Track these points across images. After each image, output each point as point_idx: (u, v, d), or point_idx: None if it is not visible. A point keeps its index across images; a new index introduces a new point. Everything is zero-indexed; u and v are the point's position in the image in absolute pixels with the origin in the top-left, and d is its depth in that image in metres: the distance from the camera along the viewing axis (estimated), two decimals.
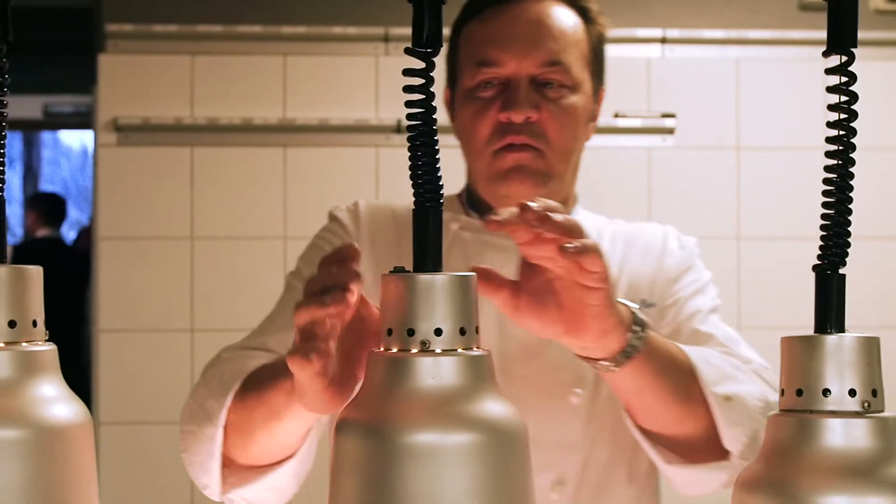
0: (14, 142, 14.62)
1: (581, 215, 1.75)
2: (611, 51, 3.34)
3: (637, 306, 1.32)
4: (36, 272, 0.87)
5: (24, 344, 0.84)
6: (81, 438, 0.85)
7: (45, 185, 14.08)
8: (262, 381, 1.31)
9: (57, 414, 0.84)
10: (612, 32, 3.35)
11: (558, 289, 1.21)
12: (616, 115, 3.44)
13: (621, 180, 3.44)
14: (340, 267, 1.05)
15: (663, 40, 3.49)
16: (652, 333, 1.32)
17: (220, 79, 3.31)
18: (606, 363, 1.28)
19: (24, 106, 7.54)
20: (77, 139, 16.08)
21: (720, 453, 1.45)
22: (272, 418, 1.29)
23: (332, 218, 1.73)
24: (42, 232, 6.71)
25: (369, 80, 3.37)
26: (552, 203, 1.17)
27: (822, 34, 2.87)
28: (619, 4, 3.43)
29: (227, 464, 1.41)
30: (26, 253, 6.44)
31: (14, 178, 14.87)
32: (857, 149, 0.89)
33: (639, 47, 3.48)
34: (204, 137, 3.29)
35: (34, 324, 0.85)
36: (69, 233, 12.73)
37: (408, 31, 2.38)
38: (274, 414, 1.28)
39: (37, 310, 0.86)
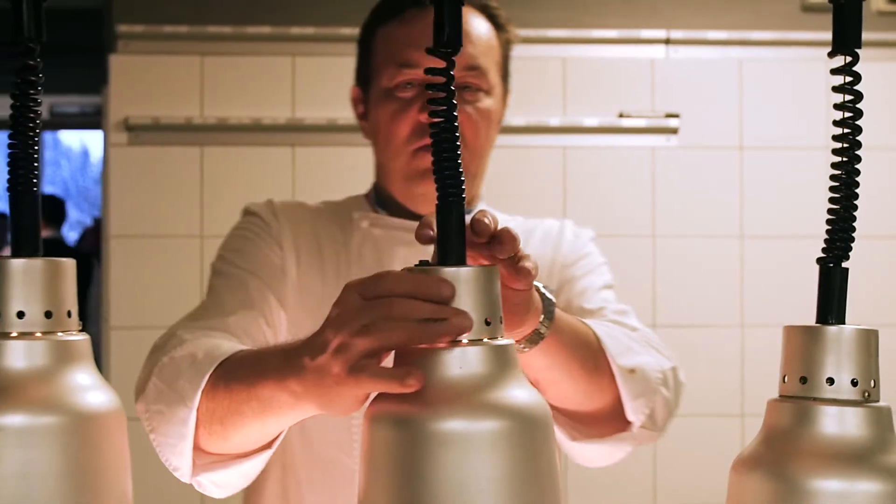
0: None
1: (483, 208, 1.77)
2: (615, 51, 3.42)
3: (546, 287, 1.32)
4: (70, 264, 0.89)
5: (59, 334, 0.87)
6: (115, 425, 0.88)
7: (46, 186, 14.07)
8: (254, 375, 1.22)
9: (92, 401, 0.86)
10: (615, 33, 3.39)
11: None
12: (620, 115, 3.45)
13: (625, 179, 3.45)
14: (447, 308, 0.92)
15: (667, 41, 3.49)
16: (559, 313, 1.33)
17: (229, 79, 3.32)
18: (520, 346, 1.29)
19: None
20: (77, 140, 16.04)
21: (622, 424, 1.47)
22: (266, 413, 1.22)
23: (250, 213, 1.73)
24: (43, 233, 6.75)
25: None
26: (494, 216, 1.15)
27: (825, 35, 2.90)
28: (623, 6, 3.48)
29: (194, 447, 1.35)
30: None
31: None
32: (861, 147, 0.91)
33: (643, 48, 3.48)
34: (214, 137, 3.30)
35: (69, 314, 0.88)
36: (69, 233, 12.72)
37: None
38: (269, 409, 1.21)
39: (71, 301, 0.88)
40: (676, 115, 3.46)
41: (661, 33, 3.49)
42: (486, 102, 1.66)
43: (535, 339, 1.29)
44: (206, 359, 1.34)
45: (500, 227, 1.70)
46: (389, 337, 0.93)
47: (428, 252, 1.58)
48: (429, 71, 0.93)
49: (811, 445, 0.83)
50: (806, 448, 0.83)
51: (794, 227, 3.45)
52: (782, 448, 0.83)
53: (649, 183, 3.47)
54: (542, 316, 1.28)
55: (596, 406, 1.46)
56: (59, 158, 14.72)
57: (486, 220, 1.03)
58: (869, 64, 3.57)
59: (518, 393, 0.88)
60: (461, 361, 0.87)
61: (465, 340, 0.86)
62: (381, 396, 0.90)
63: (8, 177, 0.89)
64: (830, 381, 0.85)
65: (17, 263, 0.86)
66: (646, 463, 3.39)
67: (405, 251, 1.66)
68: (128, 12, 3.30)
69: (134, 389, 1.47)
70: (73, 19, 6.03)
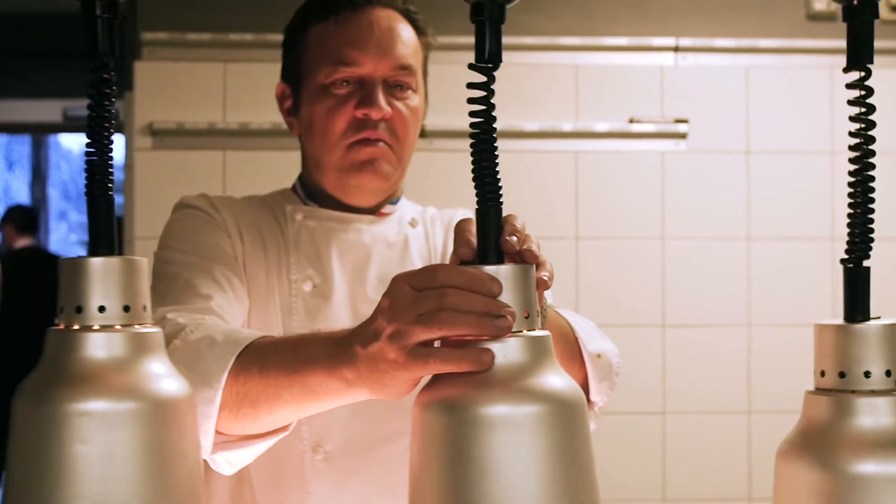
0: (22, 145, 14.51)
1: (404, 203, 1.82)
2: (625, 58, 3.46)
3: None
4: (143, 263, 0.95)
5: (136, 326, 0.93)
6: (186, 410, 0.94)
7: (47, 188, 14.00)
8: (298, 362, 1.25)
9: (166, 388, 0.92)
10: (626, 40, 3.43)
11: None
12: (631, 121, 3.47)
13: (636, 183, 3.47)
14: (498, 302, 0.98)
15: (676, 49, 3.50)
16: (550, 310, 1.39)
17: (251, 85, 3.35)
18: None
19: (44, 110, 7.60)
20: (77, 142, 15.97)
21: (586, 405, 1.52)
22: (310, 398, 1.26)
23: (189, 206, 1.73)
24: (22, 242, 6.77)
25: None
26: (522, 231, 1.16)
27: (829, 43, 2.97)
28: (634, 14, 3.50)
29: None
30: (12, 262, 6.46)
31: (14, 181, 14.79)
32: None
33: (653, 55, 3.50)
34: (235, 141, 3.34)
35: (143, 308, 0.94)
36: (70, 236, 12.69)
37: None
38: (315, 395, 1.24)
39: (145, 296, 0.94)
40: (685, 121, 3.48)
41: (670, 41, 3.50)
42: (415, 100, 1.71)
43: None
44: (227, 342, 1.36)
45: (414, 214, 1.74)
46: (450, 326, 0.98)
47: (363, 246, 1.62)
48: (470, 85, 0.98)
49: (854, 434, 0.89)
50: (849, 437, 0.89)
51: (799, 230, 3.47)
52: (826, 437, 0.89)
53: (659, 186, 3.48)
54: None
55: None
56: (59, 161, 14.63)
57: (513, 240, 1.05)
58: (877, 71, 3.59)
59: (555, 380, 0.94)
60: (504, 351, 0.93)
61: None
62: (431, 385, 0.96)
63: (85, 182, 0.95)
64: (867, 374, 0.91)
65: (97, 262, 0.92)
66: (655, 458, 3.43)
67: (339, 241, 1.70)
68: (152, 20, 3.35)
69: None
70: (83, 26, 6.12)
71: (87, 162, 0.95)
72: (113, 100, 0.95)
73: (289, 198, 1.78)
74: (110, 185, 0.94)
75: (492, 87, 0.98)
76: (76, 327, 0.91)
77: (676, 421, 3.43)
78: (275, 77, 3.73)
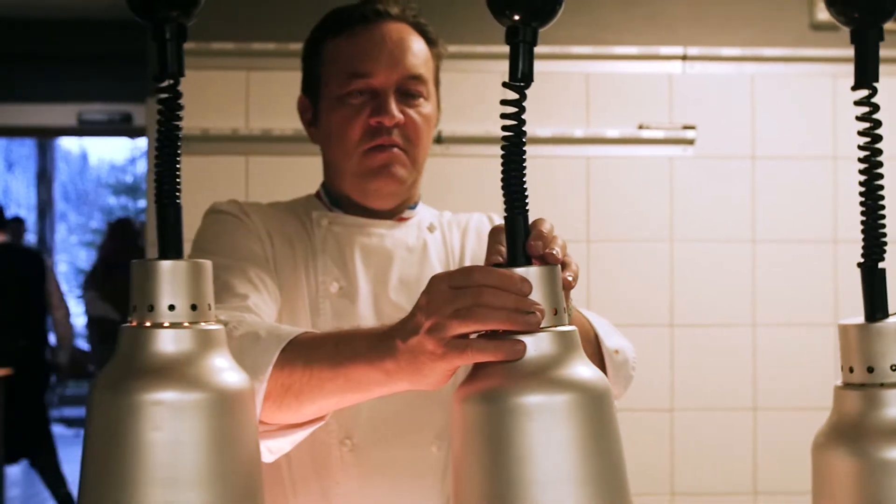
0: (21, 146, 14.44)
1: (422, 208, 1.87)
2: (635, 67, 3.50)
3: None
4: (207, 265, 1.01)
5: (202, 324, 0.99)
6: (247, 400, 1.00)
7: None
8: (342, 356, 1.31)
9: (228, 381, 0.98)
10: (635, 50, 3.47)
11: None
12: (640, 127, 3.49)
13: (645, 187, 3.49)
14: (528, 300, 1.04)
15: (684, 57, 3.53)
16: (573, 310, 1.44)
17: (273, 93, 3.40)
18: None
19: (59, 114, 7.63)
20: (76, 144, 15.93)
21: None
22: (352, 390, 1.31)
23: (221, 211, 1.77)
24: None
25: None
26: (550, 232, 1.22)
27: (832, 52, 3.02)
28: (643, 24, 3.54)
29: None
30: None
31: (16, 184, 14.74)
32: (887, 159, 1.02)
33: (661, 64, 3.52)
34: (258, 147, 3.39)
35: (209, 307, 1.00)
36: (70, 237, 12.63)
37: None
38: (356, 386, 1.30)
39: (210, 296, 1.00)
40: (693, 127, 3.50)
41: (678, 50, 3.53)
42: (427, 108, 1.75)
43: None
44: (271, 338, 1.40)
45: (432, 219, 1.79)
46: (485, 320, 1.04)
47: (385, 250, 1.66)
48: (504, 102, 1.03)
49: (886, 424, 0.95)
50: (882, 426, 0.95)
51: (803, 232, 3.49)
52: (859, 429, 0.95)
53: (667, 190, 3.51)
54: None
55: None
56: (59, 163, 14.59)
57: (537, 245, 1.11)
58: (882, 80, 3.61)
59: (583, 370, 1.00)
60: (536, 345, 0.99)
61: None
62: (469, 380, 1.02)
63: (155, 191, 1.01)
64: (893, 367, 0.96)
65: (167, 265, 0.98)
66: (664, 452, 3.45)
67: (362, 245, 1.76)
68: None
69: None
70: (99, 31, 6.13)
71: (156, 173, 1.00)
72: (180, 116, 1.00)
73: (314, 204, 1.83)
74: (178, 193, 1.00)
75: (523, 104, 1.04)
76: (148, 324, 0.97)
77: (684, 417, 3.46)
78: (295, 85, 3.78)
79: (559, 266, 1.05)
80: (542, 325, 1.00)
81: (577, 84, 3.50)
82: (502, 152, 1.04)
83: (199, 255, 1.71)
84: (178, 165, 1.00)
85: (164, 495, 0.93)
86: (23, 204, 14.35)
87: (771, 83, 3.53)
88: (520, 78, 1.03)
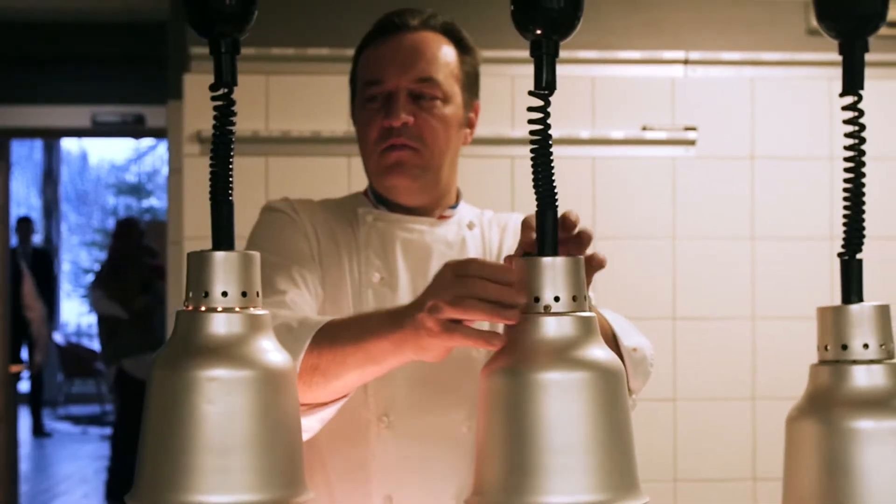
0: (20, 147, 14.34)
1: (463, 207, 1.97)
2: (639, 71, 3.55)
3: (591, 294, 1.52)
4: (256, 256, 1.09)
5: (251, 309, 1.07)
6: (291, 378, 1.08)
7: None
8: (362, 332, 1.46)
9: (274, 360, 1.06)
10: (639, 54, 3.52)
11: None
12: (644, 129, 3.52)
13: (649, 186, 3.53)
14: (509, 290, 1.17)
15: (686, 62, 3.56)
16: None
17: (291, 96, 3.45)
18: None
19: (74, 115, 7.67)
20: (76, 145, 15.81)
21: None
22: (369, 361, 1.46)
23: (275, 209, 1.88)
24: None
25: None
26: (577, 215, 1.40)
27: (828, 56, 3.11)
28: (646, 30, 3.57)
29: None
30: None
31: (15, 185, 14.65)
32: (877, 159, 1.09)
33: (664, 68, 3.55)
34: (277, 148, 3.44)
35: (256, 294, 1.08)
36: (72, 237, 12.50)
37: None
38: (373, 358, 1.45)
39: (258, 284, 1.08)
40: (694, 129, 3.53)
41: (680, 54, 3.56)
42: (444, 109, 1.84)
43: None
44: (302, 327, 1.54)
45: (472, 216, 1.90)
46: (471, 310, 1.23)
47: (425, 245, 1.75)
48: (530, 108, 1.11)
49: (854, 396, 1.03)
50: (851, 399, 1.03)
51: (800, 230, 3.53)
52: (830, 401, 1.03)
53: (670, 190, 3.54)
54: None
55: None
56: (59, 164, 14.50)
57: (573, 218, 1.27)
58: (874, 83, 3.66)
59: (597, 352, 1.08)
60: (556, 328, 1.07)
61: (559, 311, 1.06)
62: (495, 355, 1.10)
63: (210, 189, 1.10)
64: (866, 346, 1.04)
65: (221, 255, 1.06)
66: (667, 440, 3.49)
67: (403, 241, 1.86)
68: (200, 37, 3.46)
69: None
70: (115, 34, 6.17)
71: (211, 173, 1.09)
72: (234, 122, 1.09)
73: (361, 201, 1.92)
74: (230, 192, 1.09)
75: (548, 109, 1.11)
76: (203, 309, 1.05)
77: (686, 407, 3.50)
78: (313, 88, 3.83)
79: (581, 257, 1.12)
80: (561, 311, 1.07)
81: (584, 87, 3.54)
82: (532, 154, 1.11)
83: (252, 249, 1.83)
84: (231, 166, 1.09)
85: (215, 461, 1.01)
86: (22, 204, 14.27)
87: (769, 86, 3.56)
88: (544, 86, 1.10)
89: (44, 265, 9.45)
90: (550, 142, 1.10)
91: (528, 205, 1.16)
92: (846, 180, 1.06)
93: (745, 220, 3.56)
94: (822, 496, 1.02)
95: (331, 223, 1.88)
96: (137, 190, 15.73)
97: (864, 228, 1.05)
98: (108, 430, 9.48)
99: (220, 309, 1.05)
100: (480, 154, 3.47)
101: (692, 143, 3.55)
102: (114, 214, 15.22)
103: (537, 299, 1.07)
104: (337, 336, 1.51)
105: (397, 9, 1.88)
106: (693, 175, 3.55)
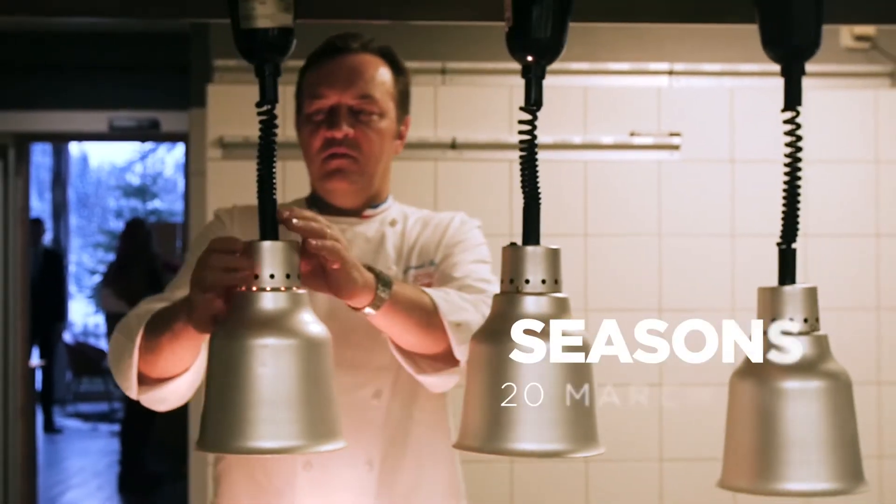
0: (37, 153, 14.35)
1: (392, 205, 2.15)
2: (627, 81, 3.69)
3: (383, 271, 1.71)
4: (295, 245, 1.27)
5: (294, 289, 1.25)
6: (325, 346, 1.26)
7: (46, 192, 13.86)
8: (168, 316, 1.66)
9: (314, 331, 1.24)
10: (627, 66, 3.65)
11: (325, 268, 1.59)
12: (632, 134, 3.60)
13: (636, 188, 3.61)
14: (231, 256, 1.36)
15: (670, 72, 3.64)
16: (397, 286, 1.71)
17: None
18: (366, 310, 1.68)
19: (91, 120, 7.77)
20: (77, 149, 15.75)
21: (454, 362, 1.83)
22: (175, 340, 1.64)
23: (215, 216, 2.12)
24: None
25: (428, 104, 3.57)
26: (307, 214, 1.59)
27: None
28: (634, 43, 3.66)
29: (141, 379, 1.75)
30: None
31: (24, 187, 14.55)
32: (824, 163, 1.27)
33: (650, 78, 3.64)
34: (294, 153, 3.52)
35: (298, 276, 1.26)
36: (74, 239, 12.34)
37: (461, 64, 2.88)
38: (176, 336, 1.63)
39: (296, 266, 1.26)
40: (678, 134, 3.61)
41: (665, 66, 3.64)
42: (379, 123, 2.02)
43: (376, 304, 1.67)
44: (144, 314, 1.75)
45: (397, 213, 2.08)
46: (213, 282, 1.36)
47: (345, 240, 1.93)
48: (521, 122, 1.28)
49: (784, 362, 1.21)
50: (781, 363, 1.20)
51: (777, 228, 3.61)
52: (764, 365, 1.19)
53: (656, 191, 3.62)
54: (381, 288, 1.66)
55: (434, 350, 1.83)
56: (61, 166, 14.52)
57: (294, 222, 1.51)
58: (838, 91, 3.83)
59: (570, 325, 1.21)
60: (535, 305, 1.20)
61: (538, 292, 1.21)
62: (482, 328, 1.24)
63: (257, 190, 1.28)
64: (791, 319, 1.21)
65: (268, 244, 1.25)
66: (653, 422, 3.59)
67: None
68: (223, 49, 3.59)
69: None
70: (127, 44, 6.28)
71: (259, 175, 1.27)
72: (276, 133, 1.26)
73: (299, 205, 2.12)
74: (275, 191, 1.27)
75: (535, 122, 1.28)
76: (255, 289, 1.24)
77: (671, 392, 3.57)
78: None
79: (559, 248, 1.28)
80: (541, 291, 1.21)
81: (576, 96, 3.61)
82: (520, 160, 1.27)
83: (188, 251, 2.06)
84: (274, 170, 1.27)
85: (267, 413, 1.19)
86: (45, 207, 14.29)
87: (748, 95, 3.63)
88: (532, 104, 1.27)
89: (54, 266, 9.44)
90: (536, 149, 1.26)
91: None
92: (785, 182, 1.24)
93: (725, 218, 3.63)
94: (755, 444, 1.19)
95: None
96: (143, 192, 15.76)
97: (797, 223, 1.22)
98: (116, 427, 9.47)
99: (268, 289, 1.23)
100: (481, 158, 3.60)
101: (676, 147, 3.62)
102: (119, 216, 15.22)
103: (527, 281, 1.22)
104: (157, 322, 1.71)
105: (340, 33, 2.07)
106: (677, 177, 3.63)
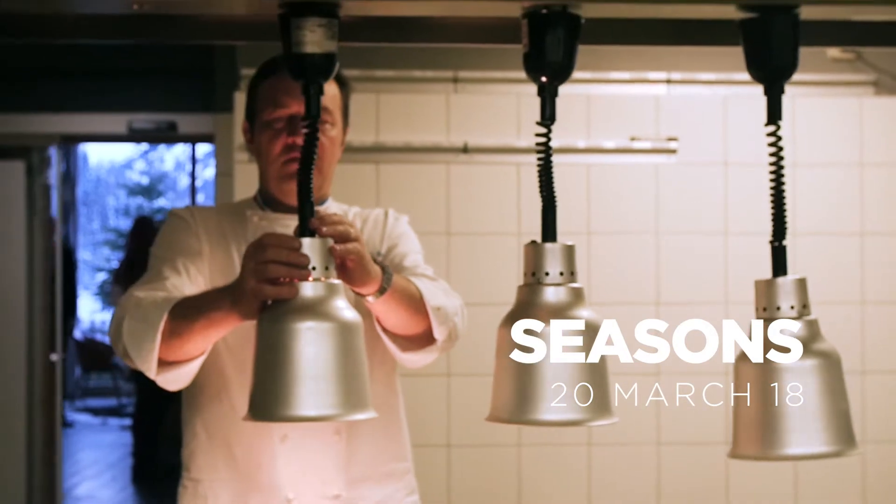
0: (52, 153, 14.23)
1: (332, 203, 2.27)
2: (627, 89, 3.78)
3: (385, 264, 1.85)
4: (328, 242, 1.38)
5: (330, 279, 1.37)
6: (358, 329, 1.37)
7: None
8: (203, 302, 1.75)
9: (348, 316, 1.36)
10: (627, 75, 3.73)
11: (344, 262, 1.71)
12: (632, 139, 3.66)
13: (635, 190, 3.67)
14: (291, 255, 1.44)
15: (668, 81, 3.71)
16: (396, 277, 1.85)
17: None
18: (371, 297, 1.81)
19: (111, 122, 7.81)
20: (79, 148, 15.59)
21: (431, 341, 1.98)
22: (210, 325, 1.75)
23: (174, 215, 2.18)
24: None
25: (441, 111, 3.66)
26: (334, 218, 1.68)
27: (792, 78, 3.19)
28: (633, 53, 3.72)
29: (158, 361, 1.84)
30: None
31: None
32: (812, 166, 1.36)
33: (649, 87, 3.71)
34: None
35: (334, 269, 1.38)
36: (80, 236, 12.19)
37: (472, 73, 2.98)
38: (212, 321, 1.74)
39: (331, 259, 1.38)
40: (675, 139, 3.66)
41: (663, 75, 3.71)
42: (332, 131, 2.13)
43: (380, 292, 1.81)
44: (164, 302, 1.85)
45: (337, 210, 2.16)
46: (271, 271, 1.45)
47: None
48: (538, 134, 1.37)
49: (774, 344, 1.30)
50: (773, 345, 1.30)
51: (768, 227, 3.62)
52: (765, 346, 1.30)
53: (654, 192, 3.68)
54: (384, 277, 1.80)
55: (416, 331, 1.98)
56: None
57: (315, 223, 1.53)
58: (825, 99, 3.90)
59: (585, 313, 1.33)
60: (555, 294, 1.32)
61: (557, 282, 1.33)
62: (510, 311, 1.37)
63: (297, 192, 1.39)
64: (791, 307, 1.31)
65: (307, 241, 1.36)
66: (650, 411, 3.65)
67: (279, 231, 2.07)
68: (249, 58, 3.62)
69: (110, 337, 1.95)
70: (146, 50, 6.34)
71: (299, 181, 1.38)
72: (316, 143, 1.37)
73: (250, 205, 2.23)
74: (311, 192, 1.38)
75: (550, 135, 1.38)
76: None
77: (668, 381, 3.63)
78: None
79: (574, 245, 1.38)
80: (559, 282, 1.32)
81: (579, 103, 3.67)
82: (538, 168, 1.36)
83: (153, 249, 2.15)
84: (311, 174, 1.37)
85: (309, 386, 1.31)
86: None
87: (741, 103, 3.68)
88: (547, 118, 1.37)
89: (67, 263, 9.41)
90: (551, 158, 1.37)
91: (533, 205, 1.40)
92: (771, 187, 1.34)
93: (719, 217, 3.69)
94: (760, 417, 1.29)
95: (223, 224, 2.17)
96: (148, 191, 15.74)
97: (786, 222, 1.32)
98: (125, 422, 9.48)
99: (311, 279, 1.34)
100: (491, 162, 3.67)
101: (674, 151, 3.67)
102: (126, 214, 15.19)
103: (547, 273, 1.33)
104: (186, 308, 1.81)
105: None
106: (674, 179, 3.69)
